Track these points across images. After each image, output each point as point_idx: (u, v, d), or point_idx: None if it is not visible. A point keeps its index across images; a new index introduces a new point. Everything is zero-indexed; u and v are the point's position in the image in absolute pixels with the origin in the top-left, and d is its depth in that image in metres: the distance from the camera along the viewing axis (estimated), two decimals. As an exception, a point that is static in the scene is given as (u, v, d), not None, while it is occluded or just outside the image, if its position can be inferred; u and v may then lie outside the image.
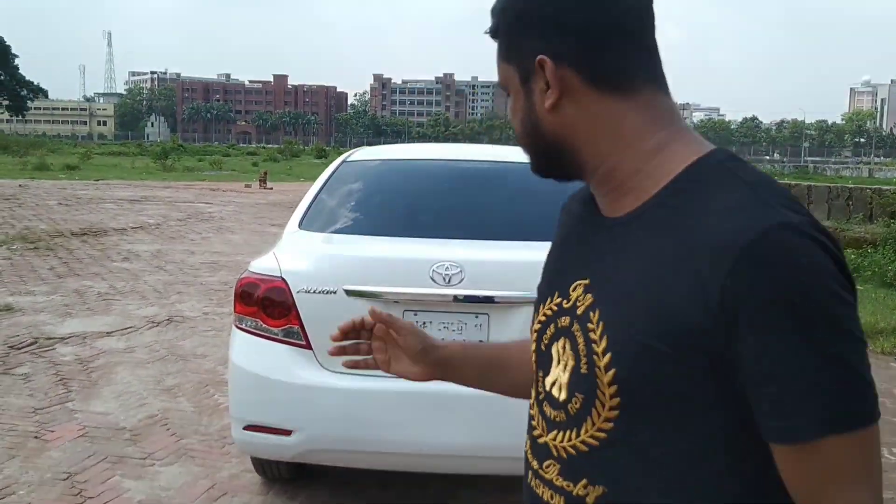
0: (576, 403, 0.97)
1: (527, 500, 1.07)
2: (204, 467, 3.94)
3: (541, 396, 1.05)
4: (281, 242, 3.43)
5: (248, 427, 3.13)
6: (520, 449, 3.70)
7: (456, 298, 3.03)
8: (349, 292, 3.05)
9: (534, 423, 1.06)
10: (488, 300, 3.04)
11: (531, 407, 1.08)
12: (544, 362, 1.04)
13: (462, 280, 3.03)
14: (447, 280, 3.03)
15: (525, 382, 1.15)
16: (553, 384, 1.01)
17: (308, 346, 3.09)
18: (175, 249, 11.18)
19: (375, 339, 1.27)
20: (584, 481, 0.97)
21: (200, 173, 32.91)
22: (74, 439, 4.21)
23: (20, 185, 21.59)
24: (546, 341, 1.04)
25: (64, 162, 32.77)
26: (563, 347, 1.00)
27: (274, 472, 3.67)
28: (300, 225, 3.52)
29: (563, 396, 0.99)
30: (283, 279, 3.11)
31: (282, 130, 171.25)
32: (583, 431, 0.96)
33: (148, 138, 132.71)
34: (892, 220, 11.12)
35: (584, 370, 0.95)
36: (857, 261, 9.55)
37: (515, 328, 3.02)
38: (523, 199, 3.82)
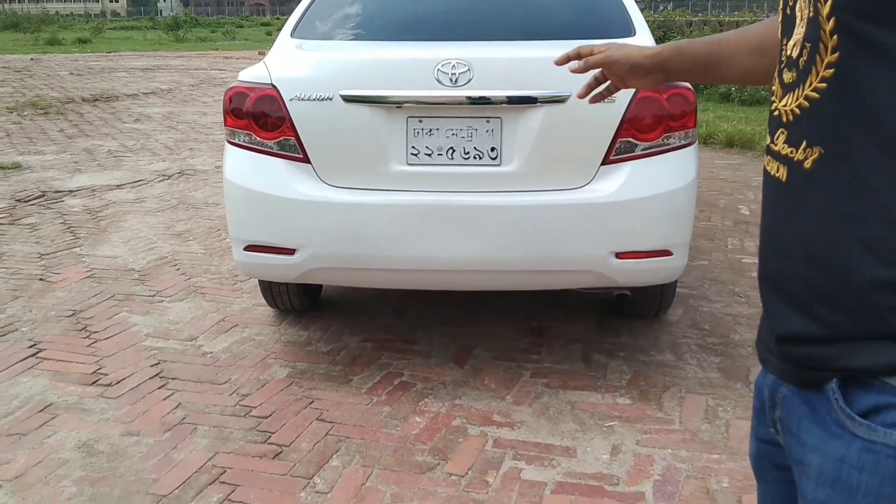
0: (804, 54, 0.88)
1: (763, 180, 1.01)
2: (214, 302, 3.81)
3: (782, 65, 0.95)
4: (272, 51, 3.12)
5: (249, 247, 2.93)
6: (536, 262, 3.35)
7: (470, 99, 2.73)
8: (346, 98, 2.77)
9: (773, 98, 0.96)
10: (502, 101, 2.74)
11: (772, 83, 0.98)
12: (789, 26, 0.94)
13: (470, 80, 2.73)
14: (454, 80, 2.73)
15: (743, 70, 1.22)
16: (794, 45, 0.91)
17: (306, 160, 2.84)
18: (187, 111, 10.88)
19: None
20: (804, 143, 0.88)
21: (213, 43, 31.97)
22: (80, 280, 4.08)
23: (32, 59, 21.06)
24: (791, 2, 0.93)
25: (76, 36, 31.97)
26: (806, 1, 0.88)
27: (285, 303, 3.53)
28: (292, 34, 3.19)
29: (796, 52, 0.90)
30: (273, 86, 2.83)
31: (296, 0, 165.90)
32: (807, 84, 0.87)
33: (161, 14, 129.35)
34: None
35: (811, 13, 0.85)
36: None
37: (531, 134, 2.74)
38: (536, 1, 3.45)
